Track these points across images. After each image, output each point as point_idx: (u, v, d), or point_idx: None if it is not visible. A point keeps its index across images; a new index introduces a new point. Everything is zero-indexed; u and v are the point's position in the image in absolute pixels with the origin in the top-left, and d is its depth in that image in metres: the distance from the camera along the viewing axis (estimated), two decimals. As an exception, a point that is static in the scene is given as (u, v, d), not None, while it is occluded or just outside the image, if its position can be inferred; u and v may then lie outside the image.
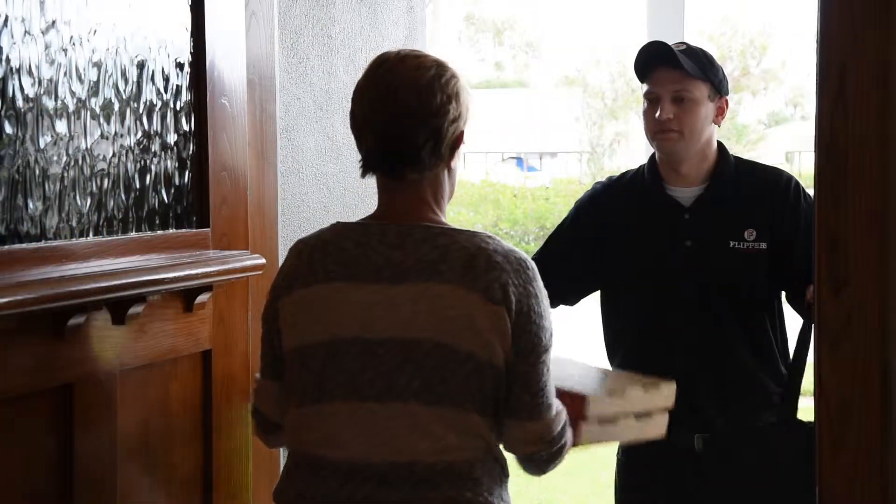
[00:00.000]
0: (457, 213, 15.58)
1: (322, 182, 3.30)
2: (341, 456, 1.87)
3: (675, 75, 2.59)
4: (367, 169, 1.97)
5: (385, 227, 1.95)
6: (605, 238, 2.70)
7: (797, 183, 2.67)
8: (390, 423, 1.85)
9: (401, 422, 1.85)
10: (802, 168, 19.56)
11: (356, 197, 3.48)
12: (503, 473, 1.93)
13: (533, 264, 1.94)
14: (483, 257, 1.88)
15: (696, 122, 2.61)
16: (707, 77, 2.60)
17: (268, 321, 2.01)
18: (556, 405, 1.97)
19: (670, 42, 2.67)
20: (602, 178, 2.91)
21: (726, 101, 2.67)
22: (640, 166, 2.78)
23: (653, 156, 2.73)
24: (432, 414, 1.85)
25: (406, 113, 1.90)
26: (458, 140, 1.96)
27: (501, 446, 1.96)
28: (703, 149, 2.66)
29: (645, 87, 2.66)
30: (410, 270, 1.89)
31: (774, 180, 2.68)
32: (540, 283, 1.93)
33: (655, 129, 2.63)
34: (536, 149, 24.52)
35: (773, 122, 24.11)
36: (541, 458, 1.96)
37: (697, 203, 2.66)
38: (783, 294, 2.70)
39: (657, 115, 2.61)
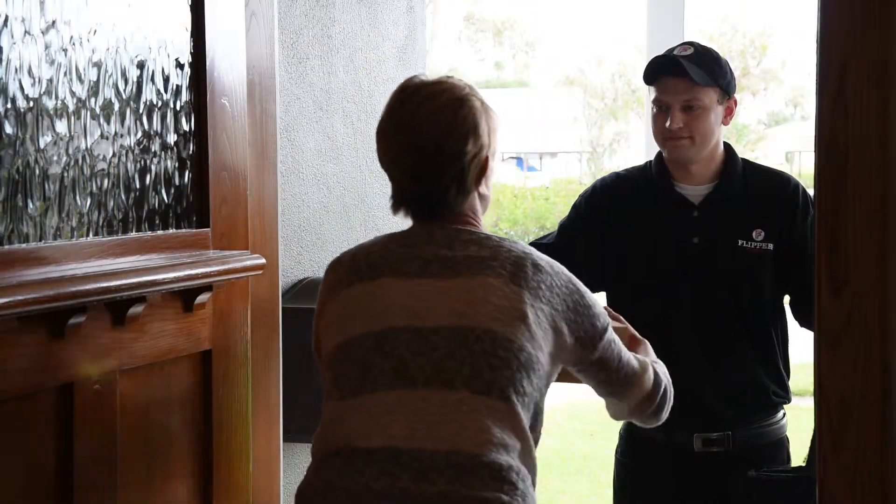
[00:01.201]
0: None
1: (322, 182, 3.30)
2: (380, 443, 1.83)
3: (684, 84, 2.59)
4: (397, 207, 2.01)
5: (430, 229, 1.99)
6: (613, 234, 2.70)
7: (804, 190, 2.67)
8: (437, 410, 1.84)
9: (448, 409, 1.84)
10: (802, 168, 19.52)
11: (356, 197, 3.48)
12: (534, 482, 1.91)
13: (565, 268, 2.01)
14: (530, 261, 1.94)
15: (707, 129, 2.61)
16: (716, 82, 2.60)
17: (317, 349, 2.04)
18: (637, 364, 2.07)
19: (677, 43, 2.67)
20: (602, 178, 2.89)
21: (735, 100, 2.67)
22: (647, 162, 2.77)
23: (659, 153, 2.72)
24: (479, 403, 1.84)
25: (426, 158, 1.95)
26: (483, 169, 2.00)
27: (611, 415, 2.18)
28: (711, 149, 2.66)
29: (653, 92, 2.65)
30: (461, 266, 1.93)
31: (782, 184, 2.68)
32: (577, 280, 2.00)
33: (666, 136, 2.62)
34: (536, 149, 24.47)
35: (773, 122, 24.08)
36: (651, 412, 2.13)
37: (706, 201, 2.66)
38: (785, 297, 2.70)
39: (667, 124, 2.60)
